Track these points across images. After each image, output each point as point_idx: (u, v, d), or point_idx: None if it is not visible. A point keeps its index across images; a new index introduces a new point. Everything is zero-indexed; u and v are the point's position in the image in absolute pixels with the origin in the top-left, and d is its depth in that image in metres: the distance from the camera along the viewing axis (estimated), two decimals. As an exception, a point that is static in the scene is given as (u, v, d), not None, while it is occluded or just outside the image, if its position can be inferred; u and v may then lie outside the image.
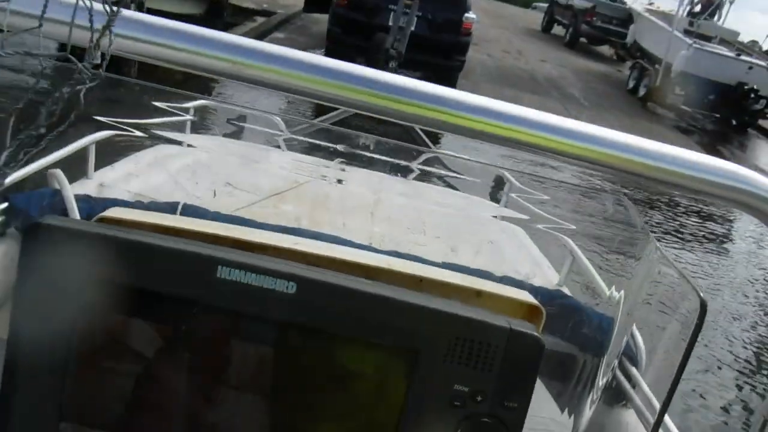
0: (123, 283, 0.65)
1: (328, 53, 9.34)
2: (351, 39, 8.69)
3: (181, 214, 1.18)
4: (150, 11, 0.69)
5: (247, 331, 0.69)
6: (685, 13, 14.03)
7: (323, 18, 9.94)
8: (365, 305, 0.67)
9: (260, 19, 12.01)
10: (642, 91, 13.83)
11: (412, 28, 7.60)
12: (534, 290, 1.14)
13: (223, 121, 2.12)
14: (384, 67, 6.89)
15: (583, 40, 19.52)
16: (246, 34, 10.41)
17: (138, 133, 1.65)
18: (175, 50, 0.59)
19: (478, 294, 0.85)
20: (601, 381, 1.02)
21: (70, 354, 0.65)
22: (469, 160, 2.04)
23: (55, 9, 0.51)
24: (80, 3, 0.49)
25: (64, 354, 0.65)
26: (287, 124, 1.95)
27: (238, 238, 0.84)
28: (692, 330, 0.75)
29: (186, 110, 1.87)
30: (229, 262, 0.65)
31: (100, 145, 1.49)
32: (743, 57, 12.65)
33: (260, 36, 10.67)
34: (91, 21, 0.48)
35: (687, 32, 13.47)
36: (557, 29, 21.26)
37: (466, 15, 8.84)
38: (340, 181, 1.78)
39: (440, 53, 8.80)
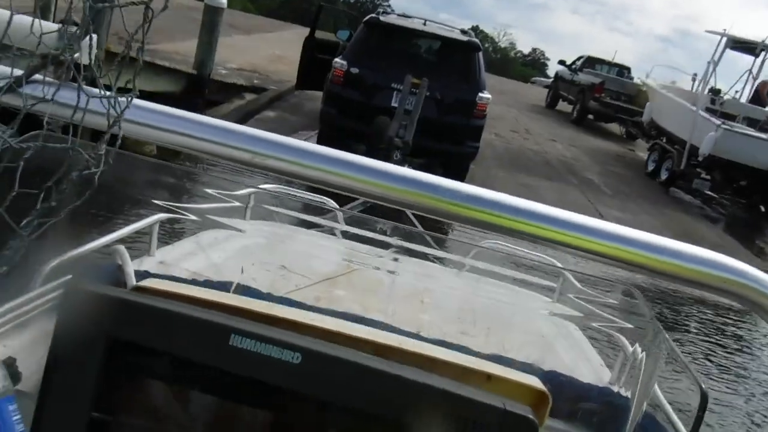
0: (145, 345, 0.72)
1: (322, 137, 8.10)
2: (348, 122, 7.47)
3: (234, 293, 1.28)
4: (119, 90, 0.71)
5: (253, 396, 0.74)
6: (706, 91, 13.04)
7: (318, 95, 8.80)
8: (366, 380, 0.71)
9: (249, 96, 10.97)
10: (664, 175, 12.69)
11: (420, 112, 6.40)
12: (581, 387, 1.26)
13: (279, 204, 2.08)
14: (387, 157, 5.64)
15: (590, 116, 18.65)
16: (231, 113, 9.26)
17: (195, 218, 1.65)
18: (185, 137, 0.70)
19: (489, 378, 0.87)
20: None
21: (92, 406, 0.73)
22: (523, 251, 2.03)
23: (65, 96, 0.67)
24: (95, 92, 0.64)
25: (87, 406, 0.72)
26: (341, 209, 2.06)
27: (258, 311, 0.87)
28: (695, 418, 0.89)
29: (245, 196, 1.93)
30: (241, 332, 0.71)
31: (162, 225, 1.57)
32: (777, 139, 11.56)
33: (248, 115, 9.57)
34: (110, 113, 0.65)
35: (709, 110, 12.45)
36: (562, 105, 20.47)
37: (480, 95, 7.62)
38: (392, 271, 1.83)
39: (450, 139, 7.56)
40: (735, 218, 12.08)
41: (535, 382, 0.90)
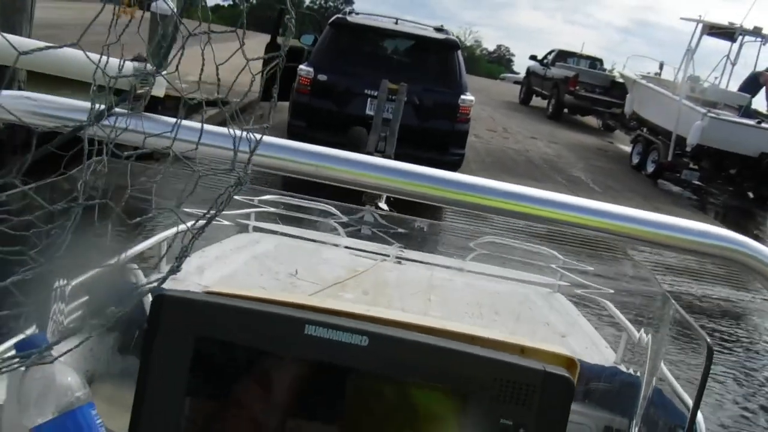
0: (229, 342, 0.81)
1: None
2: (319, 135, 6.76)
3: None
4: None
5: (328, 378, 0.82)
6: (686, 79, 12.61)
7: (286, 105, 8.09)
8: (425, 355, 0.81)
9: (211, 111, 10.22)
10: (651, 168, 12.23)
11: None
12: (590, 369, 1.35)
13: (282, 214, 2.12)
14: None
15: (565, 110, 18.21)
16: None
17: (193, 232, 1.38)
18: (298, 164, 0.86)
19: (522, 350, 0.96)
20: None
21: (185, 402, 0.80)
22: (522, 244, 2.12)
23: (210, 138, 0.79)
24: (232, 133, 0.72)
25: (180, 401, 0.80)
26: (341, 210, 2.11)
27: (320, 306, 0.97)
28: (703, 370, 0.97)
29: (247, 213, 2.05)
30: (315, 322, 0.81)
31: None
32: (765, 125, 11.15)
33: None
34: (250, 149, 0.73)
35: (690, 99, 12.03)
36: (536, 100, 20.01)
37: (463, 97, 6.97)
38: (398, 263, 1.91)
39: (433, 147, 6.89)
40: (727, 207, 11.67)
41: (564, 351, 0.98)
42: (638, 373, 1.35)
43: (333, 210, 2.17)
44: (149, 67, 0.72)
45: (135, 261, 1.44)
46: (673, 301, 1.31)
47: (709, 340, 0.95)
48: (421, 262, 1.98)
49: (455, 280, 1.98)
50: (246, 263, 1.81)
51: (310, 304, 0.96)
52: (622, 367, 1.49)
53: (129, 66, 0.69)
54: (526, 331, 1.65)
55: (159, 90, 0.74)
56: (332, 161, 0.85)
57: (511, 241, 2.21)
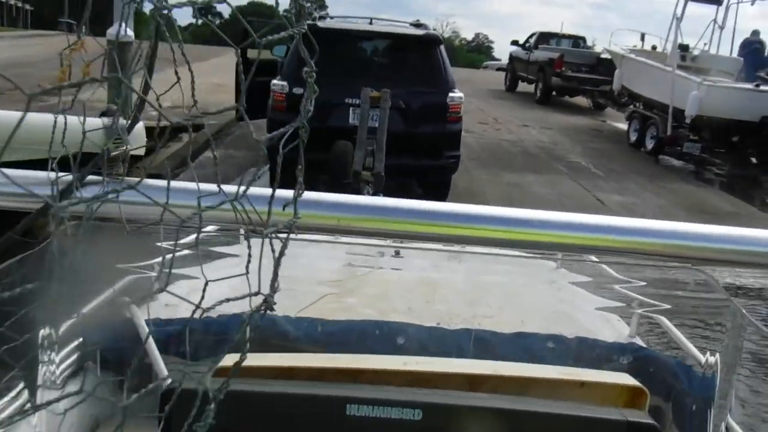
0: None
1: (273, 174, 6.92)
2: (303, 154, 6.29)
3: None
4: (21, 164, 0.67)
5: None
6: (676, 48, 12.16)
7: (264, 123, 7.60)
8: (487, 421, 0.70)
9: (187, 136, 9.73)
10: (650, 144, 11.80)
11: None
12: (610, 347, 1.35)
13: None
14: (355, 193, 4.50)
15: (553, 93, 17.78)
16: (171, 159, 8.06)
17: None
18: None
19: (582, 385, 0.88)
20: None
21: None
22: None
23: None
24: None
25: None
26: None
27: (351, 366, 0.87)
28: None
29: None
30: (357, 400, 0.70)
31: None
32: (763, 87, 10.72)
33: (191, 156, 8.33)
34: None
35: (681, 68, 11.60)
36: (522, 86, 19.57)
37: (451, 95, 6.49)
38: (396, 268, 1.79)
39: (426, 153, 6.41)
40: (732, 176, 11.22)
41: (627, 379, 0.90)
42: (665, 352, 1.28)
43: None
44: (122, 121, 0.66)
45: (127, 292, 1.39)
46: (746, 314, 1.18)
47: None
48: (420, 249, 1.89)
49: (457, 270, 1.93)
50: (237, 280, 1.66)
51: (342, 366, 0.87)
52: (638, 340, 1.46)
53: (97, 123, 0.65)
54: (535, 315, 1.63)
55: (138, 147, 0.66)
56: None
57: None
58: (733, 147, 11.59)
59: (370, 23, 7.24)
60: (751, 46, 12.35)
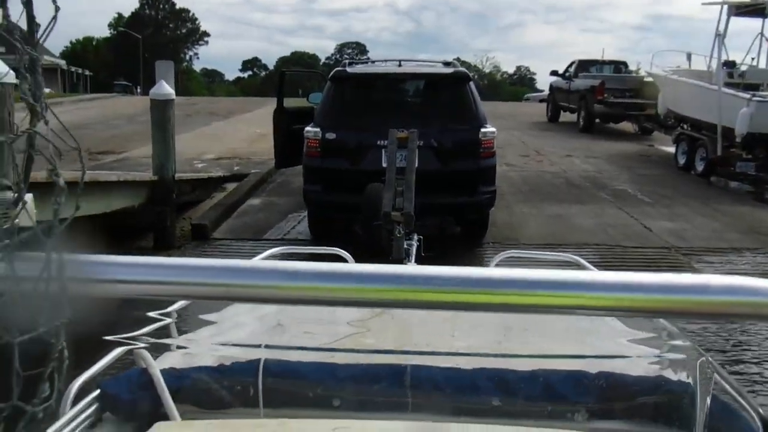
0: None
1: (311, 219, 6.96)
2: (336, 197, 6.31)
3: (264, 371, 1.38)
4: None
5: None
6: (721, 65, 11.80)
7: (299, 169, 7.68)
8: None
9: (231, 186, 9.93)
10: (700, 166, 11.40)
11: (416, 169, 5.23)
12: (629, 380, 1.39)
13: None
14: (388, 237, 4.45)
15: (597, 121, 17.47)
16: (211, 211, 8.23)
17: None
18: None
19: None
20: None
21: None
22: (544, 254, 2.20)
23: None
24: None
25: None
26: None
27: None
28: None
29: None
30: None
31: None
32: (817, 98, 10.25)
33: (232, 207, 8.50)
34: None
35: (730, 85, 11.23)
36: (564, 116, 19.33)
37: (483, 130, 6.44)
38: None
39: (461, 190, 6.34)
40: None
41: None
42: (689, 379, 1.27)
43: (344, 254, 2.11)
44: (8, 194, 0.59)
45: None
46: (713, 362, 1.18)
47: (761, 411, 0.81)
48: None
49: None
50: (257, 326, 1.75)
51: None
52: (668, 372, 1.43)
53: None
54: (557, 344, 1.62)
55: (24, 219, 0.63)
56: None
57: (532, 253, 2.15)
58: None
59: (399, 65, 7.29)
60: None
